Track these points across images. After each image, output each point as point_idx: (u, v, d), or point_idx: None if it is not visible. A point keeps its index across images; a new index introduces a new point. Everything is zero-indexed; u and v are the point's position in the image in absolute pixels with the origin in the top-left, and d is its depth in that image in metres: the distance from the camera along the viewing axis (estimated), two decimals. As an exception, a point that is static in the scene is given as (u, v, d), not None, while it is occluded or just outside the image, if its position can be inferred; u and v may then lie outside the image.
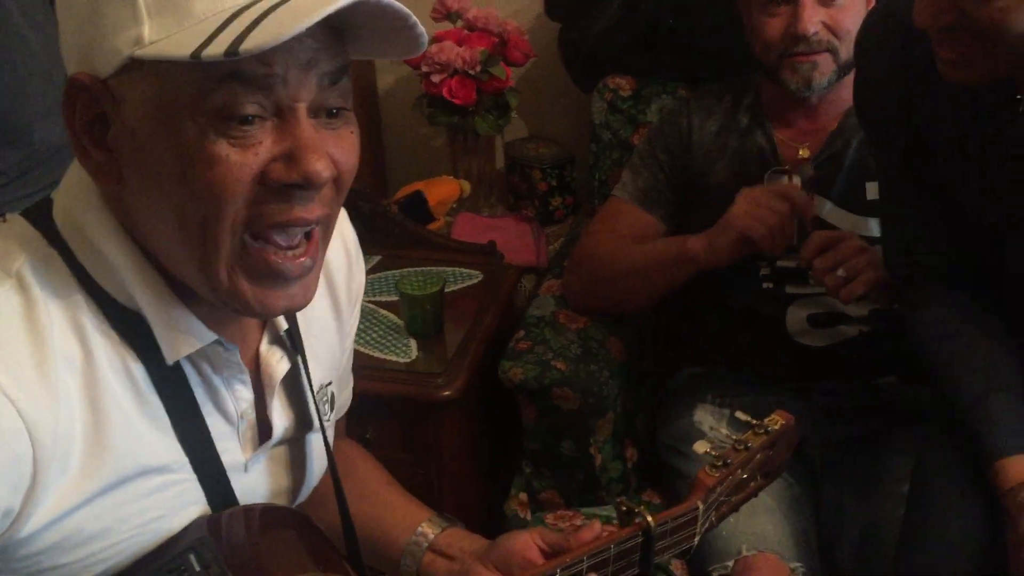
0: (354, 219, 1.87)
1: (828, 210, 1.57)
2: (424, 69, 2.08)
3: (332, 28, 0.71)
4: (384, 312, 1.77)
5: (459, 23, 2.13)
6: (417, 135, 2.41)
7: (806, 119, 1.61)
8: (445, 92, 2.06)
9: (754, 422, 1.10)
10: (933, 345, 1.26)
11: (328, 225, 0.78)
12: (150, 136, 0.70)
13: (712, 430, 1.57)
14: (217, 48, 0.64)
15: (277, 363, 0.87)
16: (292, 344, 0.89)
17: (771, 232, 1.43)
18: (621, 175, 1.73)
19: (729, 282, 1.60)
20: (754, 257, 1.55)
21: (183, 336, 0.77)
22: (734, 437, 1.08)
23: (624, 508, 0.98)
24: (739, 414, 1.13)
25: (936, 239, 1.27)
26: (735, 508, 1.12)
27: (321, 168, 0.71)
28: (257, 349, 0.87)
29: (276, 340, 0.88)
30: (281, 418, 0.88)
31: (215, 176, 0.69)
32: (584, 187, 2.14)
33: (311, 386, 0.91)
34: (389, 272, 1.89)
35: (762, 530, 1.40)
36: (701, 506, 1.01)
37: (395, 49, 0.74)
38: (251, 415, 0.86)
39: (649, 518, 0.96)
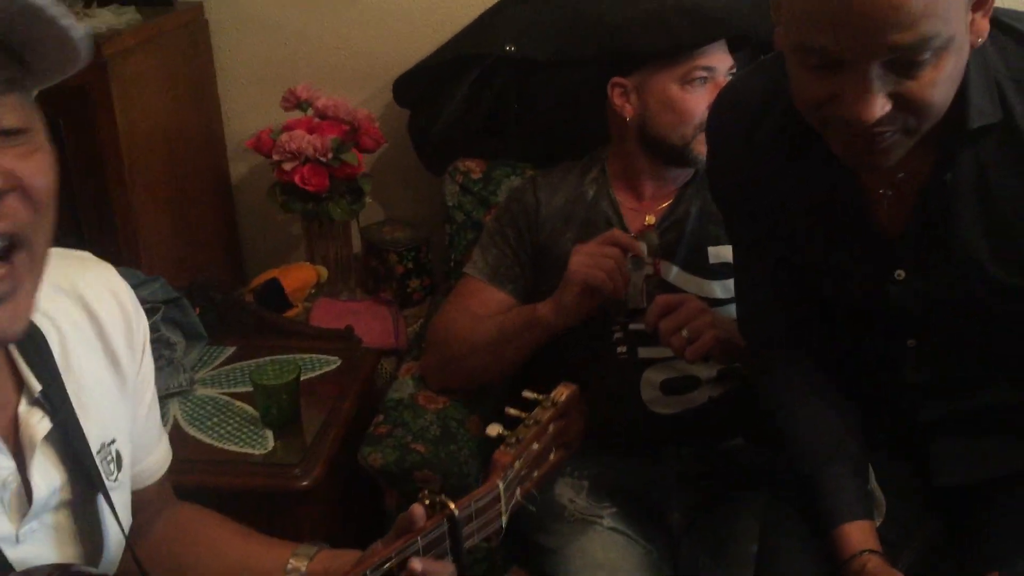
0: (207, 310, 1.90)
1: (675, 274, 1.64)
2: (275, 158, 2.09)
3: None
4: (239, 404, 1.74)
5: (309, 111, 2.15)
6: (272, 222, 2.40)
7: (649, 190, 1.69)
8: (297, 180, 2.07)
9: (540, 397, 1.14)
10: (779, 411, 1.31)
11: (30, 248, 0.77)
12: None
13: (572, 503, 1.59)
14: None
15: (37, 424, 0.85)
16: (51, 404, 0.87)
17: (610, 276, 1.48)
18: (472, 254, 1.77)
19: (583, 352, 1.63)
20: (605, 321, 1.59)
21: None
22: (523, 415, 1.11)
23: (427, 501, 0.99)
24: (526, 392, 1.15)
25: (784, 309, 1.32)
26: (541, 483, 1.14)
27: None
28: (15, 412, 0.85)
29: (36, 401, 0.87)
30: (48, 481, 0.86)
31: None
32: (441, 268, 2.17)
33: (85, 445, 0.89)
34: (244, 363, 1.86)
35: (624, 598, 1.42)
36: (501, 485, 1.04)
37: (66, 61, 0.76)
38: (13, 483, 0.84)
39: (451, 505, 0.98)
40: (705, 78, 1.58)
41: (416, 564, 0.94)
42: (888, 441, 1.30)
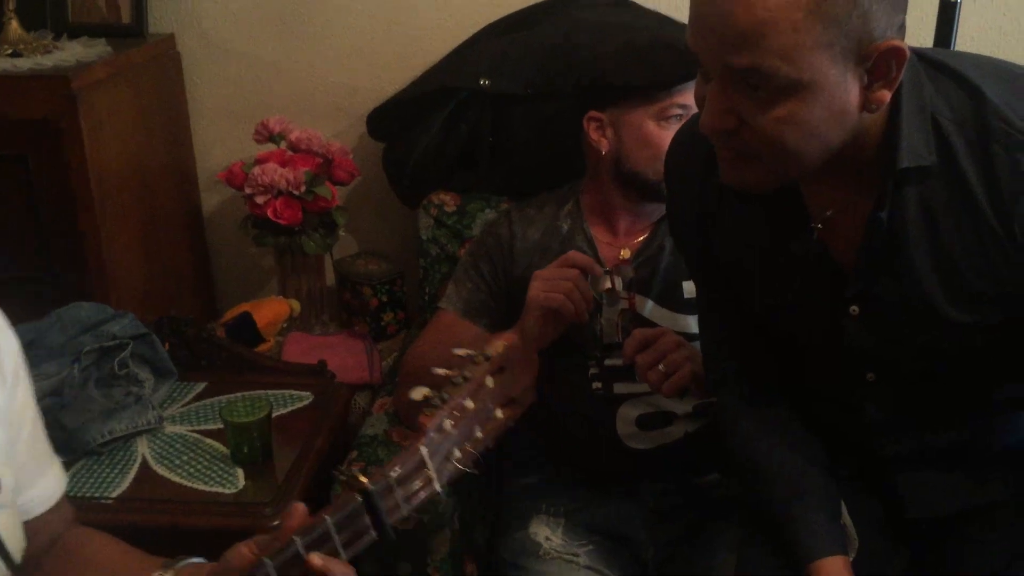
0: (177, 345, 1.87)
1: (650, 309, 1.63)
2: (247, 191, 2.07)
3: None
4: (209, 441, 1.71)
5: (282, 144, 2.13)
6: (245, 256, 2.38)
7: (624, 225, 1.68)
8: (270, 213, 2.05)
9: (473, 353, 1.05)
10: (741, 448, 1.30)
11: None
12: None
13: (548, 540, 1.57)
14: None
15: None
16: None
17: (569, 297, 1.48)
18: (446, 288, 1.75)
19: (558, 388, 1.62)
20: (580, 356, 1.57)
21: None
22: (452, 373, 1.03)
23: (343, 478, 0.93)
24: (456, 350, 1.06)
25: (745, 343, 1.32)
26: (486, 443, 1.04)
27: None
28: None
29: None
30: None
31: None
32: (415, 302, 2.15)
33: None
34: (215, 399, 1.83)
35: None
36: (424, 450, 0.96)
37: None
38: None
39: (363, 478, 0.91)
40: (681, 116, 1.58)
41: (316, 559, 0.88)
42: (856, 475, 1.30)
